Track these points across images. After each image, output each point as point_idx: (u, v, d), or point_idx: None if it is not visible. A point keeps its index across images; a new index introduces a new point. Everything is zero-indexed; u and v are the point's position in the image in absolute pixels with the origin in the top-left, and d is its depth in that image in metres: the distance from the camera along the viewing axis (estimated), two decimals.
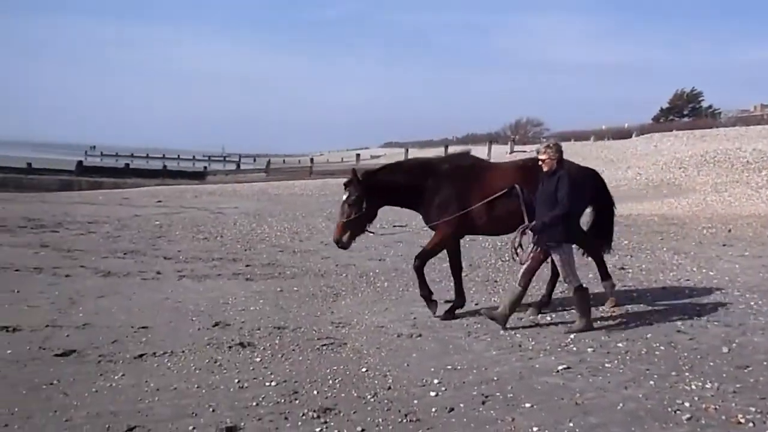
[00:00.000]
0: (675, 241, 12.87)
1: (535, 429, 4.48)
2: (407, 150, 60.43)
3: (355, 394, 5.12)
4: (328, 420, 4.64)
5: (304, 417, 4.68)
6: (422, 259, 7.44)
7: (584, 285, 6.86)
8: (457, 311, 7.42)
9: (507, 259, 9.66)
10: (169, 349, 6.17)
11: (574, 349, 6.19)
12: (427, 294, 7.44)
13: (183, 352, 6.10)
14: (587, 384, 5.27)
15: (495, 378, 5.43)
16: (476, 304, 7.84)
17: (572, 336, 6.56)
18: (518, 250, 6.79)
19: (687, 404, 4.84)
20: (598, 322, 7.04)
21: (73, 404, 4.89)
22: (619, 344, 6.30)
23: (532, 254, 6.74)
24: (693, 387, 5.18)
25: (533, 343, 6.40)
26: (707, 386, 5.19)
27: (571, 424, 4.53)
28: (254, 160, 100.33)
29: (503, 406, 4.86)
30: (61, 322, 6.97)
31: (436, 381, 5.37)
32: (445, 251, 7.62)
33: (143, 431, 4.48)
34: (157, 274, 9.57)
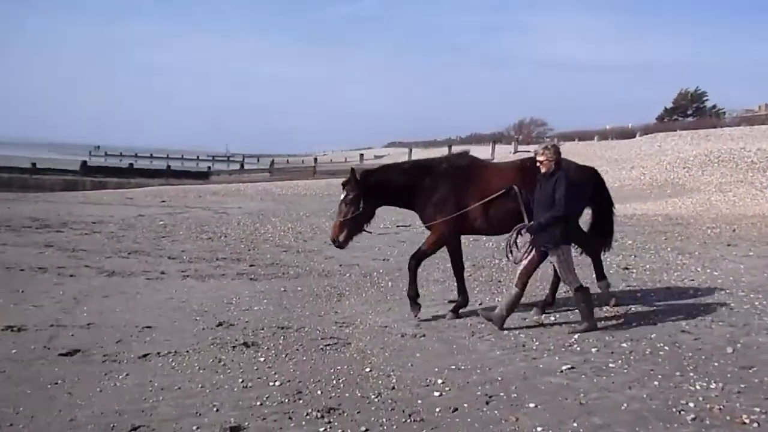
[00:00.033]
0: (679, 241, 12.84)
1: (539, 429, 4.47)
2: (411, 150, 60.45)
3: (359, 394, 5.12)
4: (332, 420, 4.64)
5: (308, 417, 4.68)
6: (417, 259, 7.44)
7: (585, 285, 6.85)
8: (461, 311, 7.42)
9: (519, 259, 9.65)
10: (173, 348, 6.18)
11: (578, 349, 6.18)
12: (413, 295, 7.41)
13: (187, 351, 6.11)
14: (591, 384, 5.27)
15: (499, 378, 5.43)
16: (480, 304, 7.83)
17: (576, 336, 6.55)
18: (512, 249, 6.77)
19: (691, 404, 4.83)
20: (602, 322, 7.03)
21: (78, 403, 4.90)
22: (624, 344, 6.29)
23: (526, 254, 6.72)
24: (697, 387, 5.17)
25: (537, 343, 6.39)
26: (712, 386, 5.18)
27: (575, 425, 4.53)
28: (258, 160, 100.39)
29: (507, 406, 4.86)
30: (65, 322, 6.99)
31: (440, 381, 5.37)
32: (445, 251, 7.61)
33: (147, 431, 4.49)
34: (161, 274, 9.58)
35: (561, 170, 6.60)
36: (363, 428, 4.51)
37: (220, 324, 7.03)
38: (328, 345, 6.35)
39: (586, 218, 7.85)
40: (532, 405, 4.86)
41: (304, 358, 6.00)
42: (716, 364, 5.74)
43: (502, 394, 5.09)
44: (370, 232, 7.75)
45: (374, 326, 7.05)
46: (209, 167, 71.12)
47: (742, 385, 5.20)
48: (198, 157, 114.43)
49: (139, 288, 8.68)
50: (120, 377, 5.45)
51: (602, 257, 7.87)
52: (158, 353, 6.05)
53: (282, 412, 4.77)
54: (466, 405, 4.87)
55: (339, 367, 5.71)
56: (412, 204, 7.54)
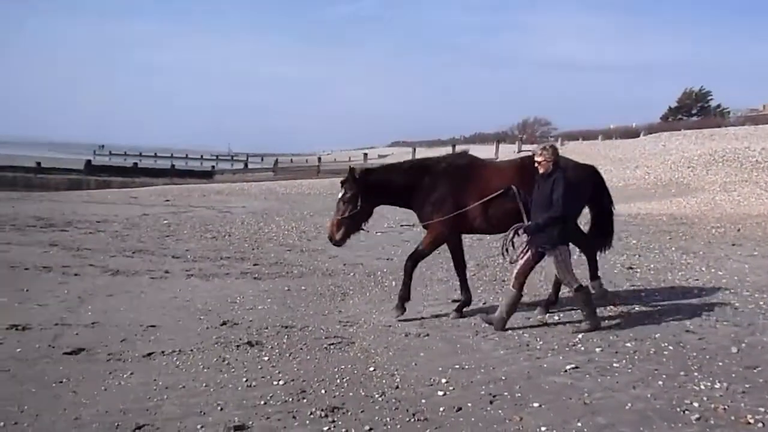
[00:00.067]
0: (684, 240, 12.82)
1: (543, 429, 4.47)
2: (415, 149, 60.38)
3: (363, 393, 5.12)
4: (335, 419, 4.64)
5: (311, 416, 4.69)
6: (414, 260, 7.42)
7: (584, 284, 6.83)
8: (465, 310, 7.41)
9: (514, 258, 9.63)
10: (177, 347, 6.19)
11: (582, 348, 6.18)
12: (404, 296, 7.37)
13: (191, 350, 6.12)
14: (595, 384, 5.26)
15: (503, 377, 5.43)
16: (484, 303, 7.84)
17: (580, 336, 6.54)
18: (508, 249, 6.74)
19: (696, 404, 4.82)
20: (606, 321, 7.03)
21: (83, 402, 4.91)
22: (628, 344, 6.29)
23: (522, 254, 6.71)
24: (702, 387, 5.16)
25: (541, 342, 6.39)
26: (716, 386, 5.17)
27: (579, 424, 4.52)
28: (262, 160, 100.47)
29: (511, 406, 4.86)
30: (70, 321, 7.00)
31: (443, 380, 5.37)
32: (448, 250, 7.60)
33: (152, 429, 4.49)
34: (166, 273, 9.60)
35: (559, 170, 6.58)
36: (367, 427, 4.52)
37: (224, 323, 7.04)
38: (332, 344, 6.35)
39: (586, 218, 7.84)
40: (536, 404, 4.86)
41: (308, 357, 6.00)
42: (721, 363, 5.73)
43: (506, 393, 5.09)
44: (367, 231, 7.75)
45: (378, 325, 7.05)
46: (213, 166, 71.19)
47: (747, 385, 5.20)
48: (202, 156, 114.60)
49: (144, 287, 8.70)
50: (124, 376, 5.46)
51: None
52: (162, 352, 6.06)
53: (286, 411, 4.77)
54: (470, 404, 4.87)
55: (343, 367, 5.72)
56: (411, 203, 7.53)
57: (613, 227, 7.86)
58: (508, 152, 41.96)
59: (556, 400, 4.94)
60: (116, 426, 4.52)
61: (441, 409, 4.81)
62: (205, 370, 5.61)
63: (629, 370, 5.56)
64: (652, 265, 10.19)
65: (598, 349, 6.11)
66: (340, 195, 7.34)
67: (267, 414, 4.72)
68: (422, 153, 47.58)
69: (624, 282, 9.03)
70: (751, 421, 4.54)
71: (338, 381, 5.38)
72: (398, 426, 4.56)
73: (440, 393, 5.11)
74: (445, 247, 7.62)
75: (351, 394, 5.12)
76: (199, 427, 4.51)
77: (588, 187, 7.49)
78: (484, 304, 7.81)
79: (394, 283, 9.10)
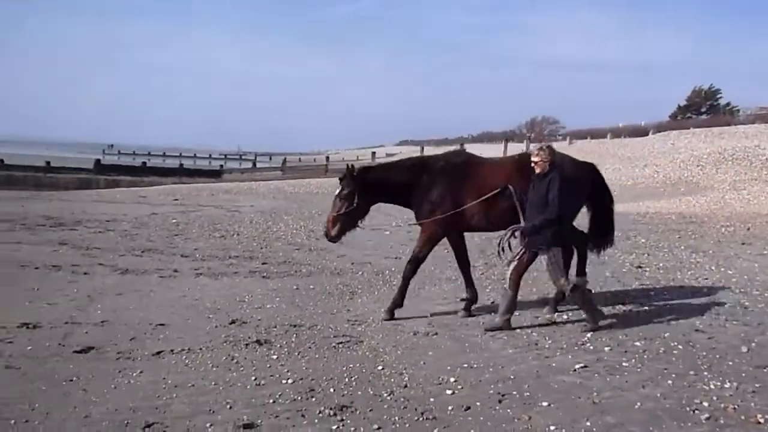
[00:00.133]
0: (693, 239, 12.76)
1: (552, 428, 4.46)
2: (422, 148, 60.31)
3: (372, 392, 5.12)
4: (344, 418, 4.65)
5: (320, 414, 4.69)
6: (414, 264, 7.39)
7: (575, 282, 6.79)
8: (474, 309, 7.41)
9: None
10: (186, 346, 6.21)
11: (591, 347, 6.16)
12: (398, 302, 7.35)
13: (200, 349, 6.14)
14: (605, 383, 5.25)
15: (511, 377, 5.42)
16: (492, 302, 7.82)
17: (589, 335, 6.53)
18: (504, 249, 6.71)
19: (705, 404, 4.81)
20: (614, 319, 7.01)
21: (92, 400, 4.94)
22: (637, 343, 6.27)
23: (518, 256, 6.68)
24: (712, 386, 5.14)
25: (550, 341, 6.38)
26: (726, 386, 5.15)
27: (588, 423, 4.51)
28: (270, 159, 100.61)
29: (520, 405, 4.85)
30: (79, 319, 7.04)
31: (452, 379, 5.37)
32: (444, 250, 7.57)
33: (161, 428, 4.51)
34: (175, 272, 9.63)
35: (555, 171, 6.54)
36: (375, 426, 4.52)
37: (233, 322, 7.06)
38: (341, 343, 6.36)
39: (586, 218, 7.79)
40: (544, 404, 4.85)
41: (317, 356, 6.01)
42: (730, 363, 5.71)
43: (514, 392, 5.08)
44: (363, 228, 7.75)
45: (386, 324, 7.05)
46: (222, 166, 71.35)
47: (757, 385, 5.17)
48: (210, 155, 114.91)
49: (153, 286, 8.73)
50: (134, 374, 5.48)
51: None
52: (171, 351, 6.09)
53: (295, 409, 4.78)
54: (478, 403, 4.87)
55: (351, 365, 5.72)
56: (409, 201, 7.52)
57: (613, 226, 7.79)
58: (517, 151, 41.87)
59: (564, 399, 4.93)
60: (126, 424, 4.54)
61: (449, 408, 4.81)
62: (214, 369, 5.63)
63: (638, 370, 5.54)
64: (661, 264, 10.15)
65: (607, 348, 6.10)
66: (337, 192, 7.37)
67: (276, 412, 4.73)
68: (430, 152, 47.56)
69: (633, 281, 9.00)
70: (761, 420, 4.52)
71: (347, 380, 5.39)
72: (407, 425, 4.56)
73: (449, 392, 5.11)
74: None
75: (359, 392, 5.12)
76: (208, 425, 4.53)
77: (586, 185, 7.43)
78: (493, 303, 7.79)
79: None
